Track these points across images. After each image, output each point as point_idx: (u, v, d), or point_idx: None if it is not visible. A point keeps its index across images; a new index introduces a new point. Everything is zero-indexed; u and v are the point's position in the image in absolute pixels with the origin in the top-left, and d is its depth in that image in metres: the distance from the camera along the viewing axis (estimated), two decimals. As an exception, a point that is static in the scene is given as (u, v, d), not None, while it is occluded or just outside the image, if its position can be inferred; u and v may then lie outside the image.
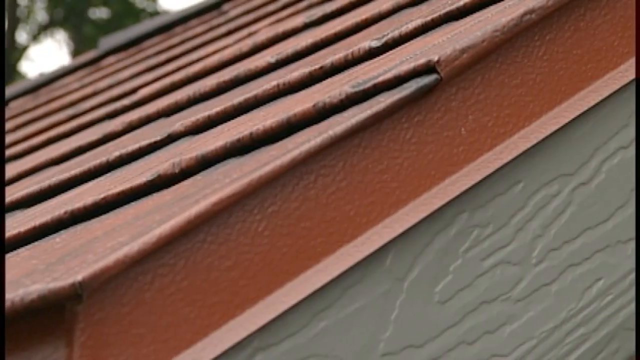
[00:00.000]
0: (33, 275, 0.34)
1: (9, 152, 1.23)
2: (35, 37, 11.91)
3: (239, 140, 0.46)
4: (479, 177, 0.46)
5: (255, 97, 0.61)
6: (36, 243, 0.48)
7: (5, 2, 9.40)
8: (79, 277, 0.28)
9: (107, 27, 9.78)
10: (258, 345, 0.36)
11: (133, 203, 0.47)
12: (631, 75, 0.54)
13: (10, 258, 0.46)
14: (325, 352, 0.39)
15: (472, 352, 0.45)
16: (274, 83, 0.61)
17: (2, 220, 0.64)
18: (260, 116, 0.54)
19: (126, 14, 10.55)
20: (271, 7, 1.36)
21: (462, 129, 0.46)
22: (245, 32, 1.28)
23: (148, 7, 10.96)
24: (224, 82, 0.82)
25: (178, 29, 1.77)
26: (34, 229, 0.50)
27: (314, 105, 0.45)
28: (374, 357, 0.41)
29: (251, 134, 0.46)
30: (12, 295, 0.29)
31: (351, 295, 0.41)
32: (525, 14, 0.49)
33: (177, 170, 0.47)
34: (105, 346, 0.30)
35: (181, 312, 0.33)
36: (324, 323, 0.39)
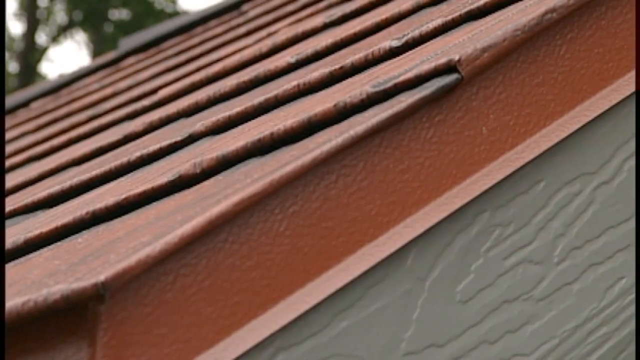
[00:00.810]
0: (56, 275, 0.34)
1: (30, 152, 1.23)
2: (54, 39, 12.02)
3: (259, 140, 0.45)
4: (500, 177, 0.45)
5: (276, 97, 0.61)
6: (58, 243, 0.47)
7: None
8: (101, 278, 0.27)
9: (126, 28, 9.82)
10: (280, 345, 0.36)
11: (154, 203, 0.46)
12: (654, 74, 0.53)
13: (33, 258, 0.46)
14: (347, 351, 0.39)
15: (494, 352, 0.44)
16: (294, 83, 0.60)
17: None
18: (281, 116, 0.53)
19: (146, 15, 10.59)
20: (290, 7, 1.35)
21: (484, 128, 0.44)
22: (264, 32, 1.26)
23: (167, 7, 10.98)
24: (244, 82, 0.81)
25: (198, 29, 1.76)
26: (56, 229, 0.49)
27: (334, 105, 0.44)
28: (395, 356, 0.40)
29: (272, 134, 0.45)
30: (36, 295, 0.29)
31: (372, 295, 0.40)
32: (546, 12, 0.47)
33: (198, 171, 0.46)
34: (127, 346, 0.30)
35: (203, 312, 0.33)
36: (345, 323, 0.39)
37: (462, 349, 0.43)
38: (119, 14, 11.58)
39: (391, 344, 0.40)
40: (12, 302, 0.30)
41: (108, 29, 11.36)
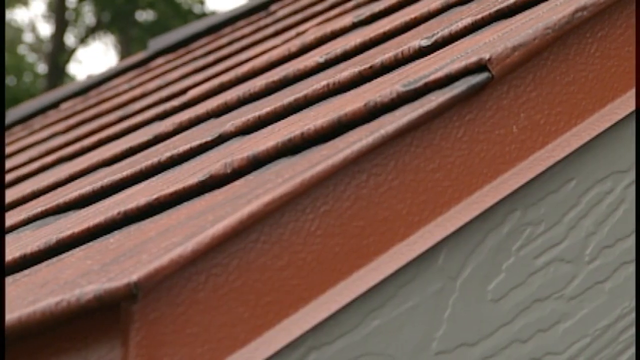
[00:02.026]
0: (88, 275, 0.33)
1: (61, 153, 1.22)
2: (83, 40, 12.17)
3: (290, 140, 0.44)
4: (531, 175, 0.43)
5: (305, 97, 0.59)
6: (90, 244, 0.47)
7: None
8: (133, 277, 0.27)
9: (154, 29, 9.85)
10: (311, 344, 0.35)
11: (185, 203, 0.45)
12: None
13: (65, 259, 0.45)
14: (379, 350, 0.37)
15: (526, 350, 0.43)
16: (324, 83, 0.58)
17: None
18: (311, 116, 0.52)
19: (173, 16, 10.61)
20: (319, 7, 1.32)
21: (514, 127, 0.43)
22: (293, 32, 1.24)
23: (195, 8, 10.97)
24: (273, 82, 0.79)
25: (226, 29, 1.73)
26: (88, 229, 0.49)
27: (364, 105, 0.43)
28: (427, 355, 0.39)
29: (302, 133, 0.44)
30: (69, 295, 0.28)
31: (404, 294, 0.38)
32: (577, 11, 0.45)
33: (228, 171, 0.45)
34: (160, 346, 0.29)
35: (235, 312, 0.32)
36: (377, 322, 0.37)
37: (494, 348, 0.41)
38: (146, 15, 11.64)
39: (423, 343, 0.39)
40: (45, 302, 0.29)
41: (135, 30, 11.43)
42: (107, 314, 0.28)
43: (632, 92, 0.48)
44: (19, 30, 11.80)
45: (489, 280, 0.41)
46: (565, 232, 0.45)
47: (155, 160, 0.65)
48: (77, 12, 11.97)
